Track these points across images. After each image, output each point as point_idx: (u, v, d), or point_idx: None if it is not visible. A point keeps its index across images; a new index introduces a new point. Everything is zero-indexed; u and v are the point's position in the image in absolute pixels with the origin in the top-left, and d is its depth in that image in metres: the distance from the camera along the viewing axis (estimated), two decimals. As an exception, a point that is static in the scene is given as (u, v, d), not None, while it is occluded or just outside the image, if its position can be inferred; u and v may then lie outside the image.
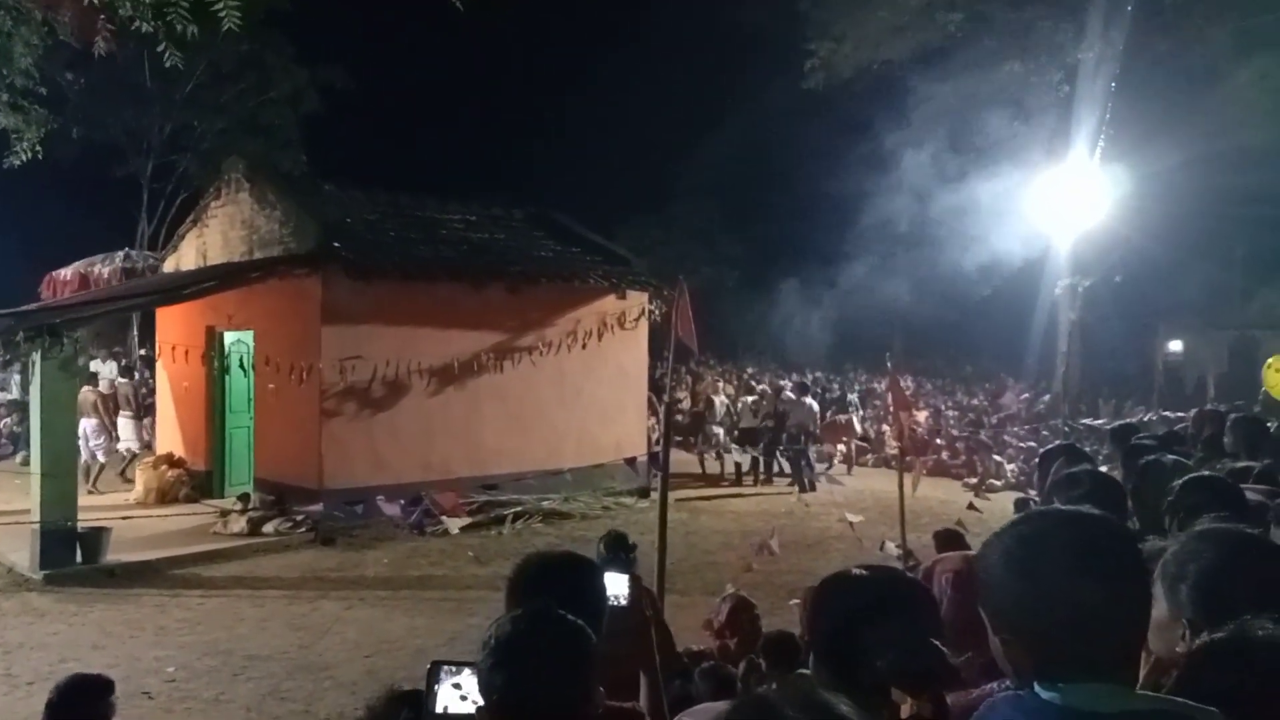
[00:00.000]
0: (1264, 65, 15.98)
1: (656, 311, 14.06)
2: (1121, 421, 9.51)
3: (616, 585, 2.27)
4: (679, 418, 16.90)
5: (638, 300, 14.27)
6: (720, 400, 17.13)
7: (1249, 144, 18.22)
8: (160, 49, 6.80)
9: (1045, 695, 1.30)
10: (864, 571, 1.76)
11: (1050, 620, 1.30)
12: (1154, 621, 1.77)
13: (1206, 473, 3.07)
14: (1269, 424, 6.81)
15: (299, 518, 10.93)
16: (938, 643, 1.61)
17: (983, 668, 1.89)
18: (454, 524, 11.29)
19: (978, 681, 1.87)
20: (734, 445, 16.01)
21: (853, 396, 17.57)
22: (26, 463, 12.32)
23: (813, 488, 14.67)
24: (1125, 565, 1.36)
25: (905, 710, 1.50)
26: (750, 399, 16.60)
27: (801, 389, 16.33)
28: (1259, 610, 1.67)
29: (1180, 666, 1.53)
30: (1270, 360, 9.08)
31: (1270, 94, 16.18)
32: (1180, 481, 2.92)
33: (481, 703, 1.70)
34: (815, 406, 16.17)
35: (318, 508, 10.71)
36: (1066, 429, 15.64)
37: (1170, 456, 3.65)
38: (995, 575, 1.37)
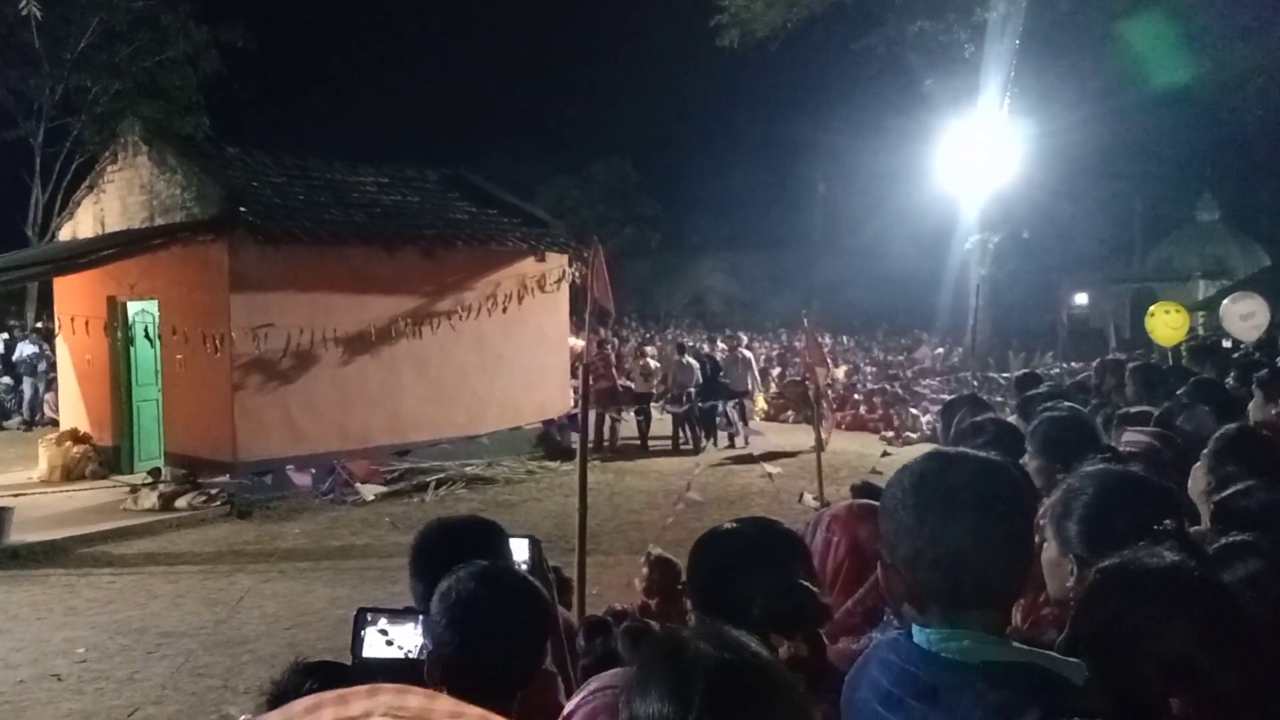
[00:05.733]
0: (1154, 25, 16.49)
1: (577, 274, 13.99)
2: (1023, 371, 9.84)
3: (519, 549, 2.32)
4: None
5: (557, 262, 14.18)
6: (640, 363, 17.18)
7: (1143, 104, 18.89)
8: None
9: (918, 639, 1.35)
10: (733, 524, 1.80)
11: (922, 551, 1.35)
12: (1045, 561, 1.85)
13: (1059, 412, 3.24)
14: (1166, 369, 7.15)
15: (213, 491, 10.68)
16: (808, 584, 1.64)
17: (866, 614, 1.94)
18: (368, 491, 11.16)
19: (862, 627, 1.92)
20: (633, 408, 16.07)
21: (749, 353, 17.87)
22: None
23: (731, 443, 14.90)
24: (998, 507, 1.36)
25: (782, 653, 1.52)
26: (642, 362, 16.58)
27: (734, 350, 16.61)
28: (1138, 540, 1.74)
29: (1077, 597, 1.59)
30: (1152, 308, 9.52)
31: (1162, 53, 16.72)
32: (1038, 419, 3.09)
33: (409, 650, 1.76)
34: (752, 361, 16.48)
35: (225, 479, 10.47)
36: (975, 381, 16.12)
37: (1066, 404, 3.80)
38: (888, 505, 1.43)
